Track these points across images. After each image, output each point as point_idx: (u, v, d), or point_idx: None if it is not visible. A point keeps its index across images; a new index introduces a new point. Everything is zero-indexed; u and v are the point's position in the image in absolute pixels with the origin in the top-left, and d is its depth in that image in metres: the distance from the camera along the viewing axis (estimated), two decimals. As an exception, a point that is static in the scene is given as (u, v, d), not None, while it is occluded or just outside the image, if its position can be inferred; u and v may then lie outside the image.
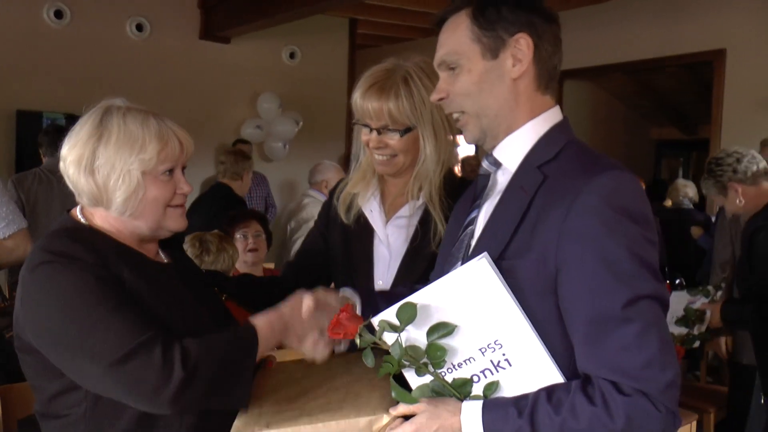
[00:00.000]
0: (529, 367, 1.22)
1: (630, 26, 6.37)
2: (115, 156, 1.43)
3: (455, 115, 1.37)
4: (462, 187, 1.72)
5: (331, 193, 2.05)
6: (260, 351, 1.42)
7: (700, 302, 3.14)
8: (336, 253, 1.99)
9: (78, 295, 1.35)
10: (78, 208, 1.55)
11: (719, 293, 3.21)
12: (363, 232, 1.92)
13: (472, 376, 1.25)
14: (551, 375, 1.22)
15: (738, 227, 3.42)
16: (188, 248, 3.09)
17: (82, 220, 1.51)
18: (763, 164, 3.09)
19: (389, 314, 1.25)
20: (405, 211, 1.88)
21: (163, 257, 1.63)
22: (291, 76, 7.34)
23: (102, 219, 1.51)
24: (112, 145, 1.43)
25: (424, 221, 1.84)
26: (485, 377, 1.24)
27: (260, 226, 3.59)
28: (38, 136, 4.55)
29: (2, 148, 5.77)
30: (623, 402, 1.14)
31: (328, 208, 2.05)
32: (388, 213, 1.92)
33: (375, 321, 1.27)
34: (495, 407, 1.21)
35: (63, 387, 1.44)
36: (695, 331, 3.11)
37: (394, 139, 1.80)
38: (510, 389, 1.24)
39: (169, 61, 6.61)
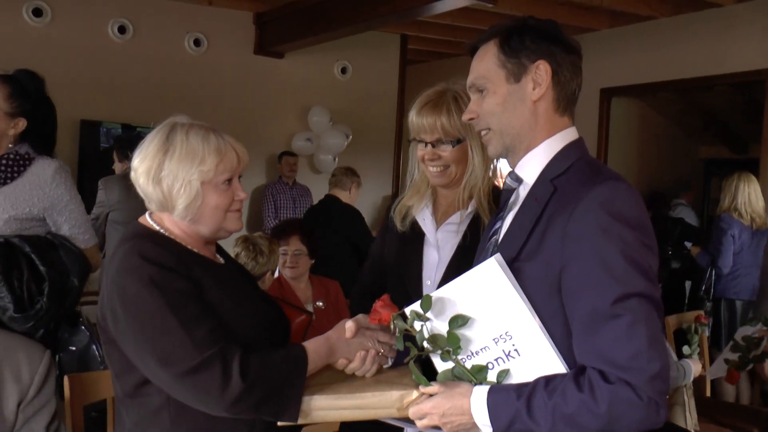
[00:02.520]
0: (536, 357, 1.38)
1: (679, 44, 6.36)
2: (178, 168, 1.60)
3: (483, 132, 1.54)
4: (496, 192, 2.01)
5: (389, 208, 2.25)
6: (309, 371, 1.56)
7: (758, 328, 3.15)
8: (390, 257, 2.18)
9: (160, 303, 1.50)
10: (148, 215, 1.72)
11: None
12: (415, 236, 2.11)
13: (487, 364, 1.42)
14: (555, 365, 1.37)
15: None
16: (241, 251, 3.20)
17: (155, 226, 1.68)
18: None
19: (418, 306, 1.44)
20: (455, 218, 2.07)
21: (220, 258, 1.80)
22: (342, 91, 7.49)
23: (171, 223, 1.68)
24: (175, 159, 1.60)
25: (473, 226, 2.03)
26: (498, 365, 1.41)
27: (302, 243, 3.47)
28: (114, 143, 5.09)
29: (67, 155, 6.02)
30: (608, 389, 1.27)
31: (386, 222, 2.25)
32: (440, 221, 2.10)
33: (407, 311, 1.46)
34: (499, 391, 1.38)
35: (145, 377, 1.58)
36: (750, 356, 3.11)
37: (446, 151, 2.01)
38: (519, 377, 1.39)
39: (224, 75, 6.81)
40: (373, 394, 1.52)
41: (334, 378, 1.62)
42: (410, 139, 2.09)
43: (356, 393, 1.53)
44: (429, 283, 2.06)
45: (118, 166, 5.25)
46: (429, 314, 1.43)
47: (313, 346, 1.60)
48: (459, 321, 1.40)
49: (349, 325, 1.63)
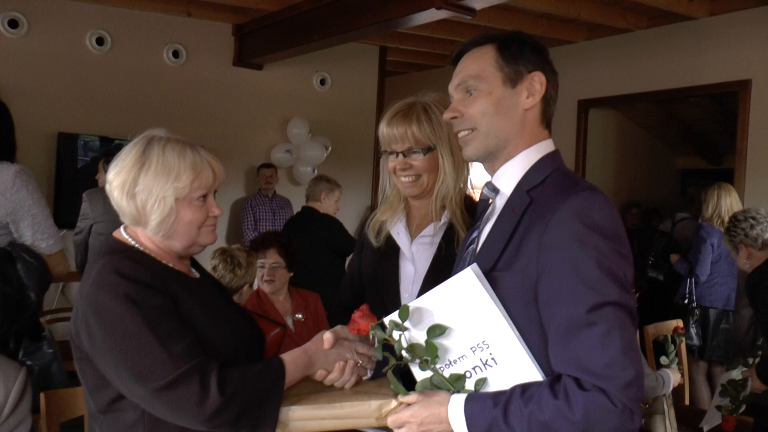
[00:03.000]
0: (513, 366, 1.39)
1: (655, 56, 6.43)
2: (153, 183, 1.59)
3: (462, 132, 1.54)
4: (470, 202, 2.05)
5: (363, 223, 2.22)
6: (287, 383, 1.56)
7: (739, 370, 3.19)
8: (367, 272, 2.18)
9: (137, 319, 1.49)
10: (122, 229, 1.70)
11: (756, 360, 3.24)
12: (390, 251, 2.12)
13: (465, 372, 1.43)
14: (531, 373, 1.38)
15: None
16: (218, 263, 3.18)
17: (130, 241, 1.66)
18: None
19: (396, 315, 1.46)
20: (429, 230, 2.07)
21: (195, 273, 1.78)
22: (321, 102, 7.50)
23: (145, 237, 1.67)
24: (151, 174, 1.59)
25: (447, 237, 2.03)
26: (476, 373, 1.42)
27: (279, 256, 3.41)
28: (102, 154, 5.09)
29: (45, 168, 5.97)
30: (582, 396, 1.28)
31: (361, 239, 2.26)
32: (414, 233, 2.11)
33: (386, 321, 1.47)
34: (476, 399, 1.39)
35: (119, 393, 1.57)
36: (740, 398, 3.14)
37: (417, 160, 2.02)
38: (496, 385, 1.41)
39: (203, 87, 6.80)
40: (351, 404, 1.53)
41: (313, 389, 1.62)
42: (381, 151, 2.11)
43: (335, 403, 1.54)
44: (407, 296, 2.07)
45: (103, 178, 5.18)
46: (407, 324, 1.44)
47: (290, 357, 1.59)
48: (437, 330, 1.42)
49: (327, 336, 1.63)
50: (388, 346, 1.47)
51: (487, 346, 1.40)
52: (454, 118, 1.54)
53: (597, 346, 1.29)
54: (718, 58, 6.05)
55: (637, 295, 3.38)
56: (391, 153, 2.06)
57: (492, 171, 1.56)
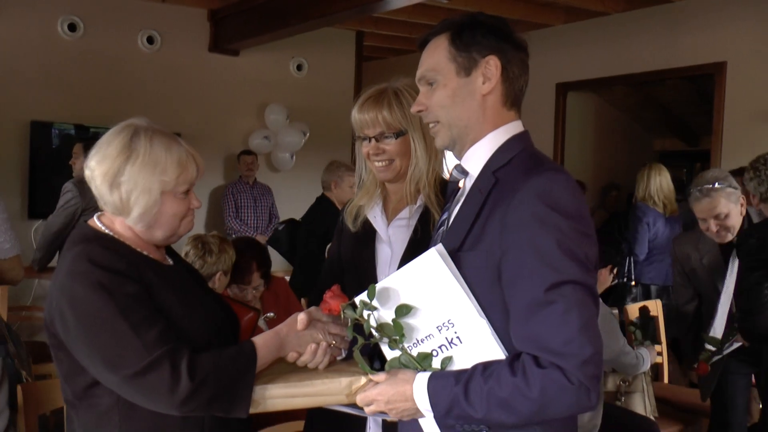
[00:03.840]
0: (477, 345, 1.42)
1: (632, 39, 6.46)
2: (138, 175, 1.59)
3: (431, 125, 1.57)
4: (443, 185, 2.02)
5: (341, 210, 2.28)
6: (259, 365, 1.57)
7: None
8: (345, 257, 2.21)
9: (109, 306, 1.50)
10: (96, 217, 1.71)
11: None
12: (367, 235, 2.15)
13: (432, 351, 1.46)
14: (495, 352, 1.40)
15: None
16: (190, 249, 3.09)
17: (103, 228, 1.66)
18: None
19: (365, 295, 1.49)
20: (404, 213, 2.10)
21: (169, 260, 1.79)
22: (298, 88, 7.45)
23: (122, 226, 1.67)
24: (137, 165, 1.59)
25: (423, 219, 2.06)
26: (442, 352, 1.45)
27: (261, 278, 3.22)
28: (86, 142, 4.76)
29: (17, 157, 5.89)
30: (539, 374, 1.30)
31: (340, 225, 2.28)
32: (390, 216, 2.14)
33: (357, 300, 1.50)
34: (440, 377, 1.41)
35: (94, 379, 1.57)
36: (723, 350, 3.19)
37: (390, 144, 2.04)
38: (462, 363, 1.43)
39: (178, 73, 6.73)
40: (322, 382, 1.56)
41: (286, 368, 1.63)
42: (355, 137, 2.13)
43: (305, 381, 1.56)
44: (383, 278, 2.07)
45: (79, 164, 4.82)
46: (376, 303, 1.47)
47: (262, 340, 1.60)
48: (404, 310, 1.44)
49: (301, 317, 1.63)
50: (358, 326, 1.50)
51: (452, 325, 1.43)
52: (420, 111, 1.57)
53: (556, 324, 1.31)
54: (695, 41, 6.09)
55: (616, 272, 3.41)
56: (364, 138, 2.08)
57: (460, 156, 1.57)
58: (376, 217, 2.15)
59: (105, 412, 1.59)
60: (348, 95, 7.65)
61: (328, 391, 1.55)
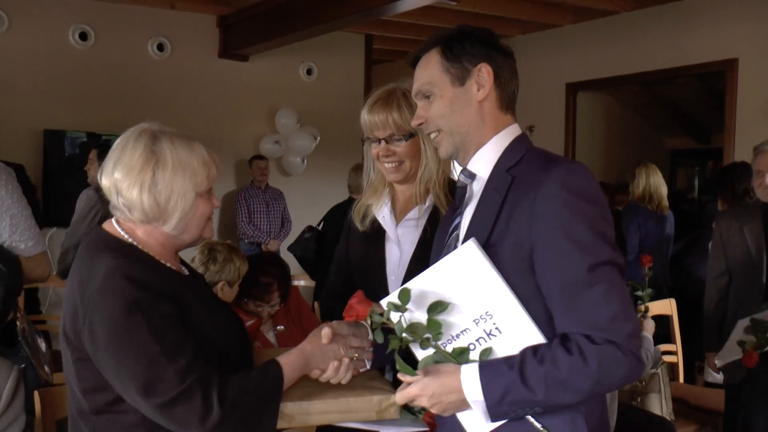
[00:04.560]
0: (517, 333, 1.45)
1: (641, 38, 6.44)
2: (173, 180, 1.59)
3: (432, 135, 1.63)
4: (451, 185, 2.06)
5: (350, 210, 2.28)
6: (285, 385, 1.58)
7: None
8: (354, 258, 2.22)
9: (143, 329, 1.48)
10: (114, 222, 1.67)
11: None
12: (376, 234, 2.16)
13: (468, 345, 1.48)
14: (535, 338, 1.44)
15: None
16: (197, 255, 3.05)
17: (126, 237, 1.63)
18: None
19: (394, 297, 1.48)
20: (414, 213, 2.11)
21: (184, 269, 1.77)
22: (308, 92, 7.47)
23: (146, 233, 1.64)
24: (169, 170, 1.58)
25: (433, 219, 2.07)
26: (480, 345, 1.47)
27: (279, 297, 3.12)
28: (101, 149, 4.71)
29: (31, 165, 5.92)
30: (595, 350, 1.38)
31: (348, 224, 2.28)
32: (399, 216, 2.15)
33: (384, 303, 1.50)
34: (489, 366, 1.44)
35: (119, 395, 1.55)
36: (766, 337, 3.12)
37: (400, 146, 2.06)
38: (502, 353, 1.46)
39: (189, 80, 6.76)
40: (356, 399, 1.59)
41: (311, 384, 1.64)
42: (364, 138, 2.14)
43: (341, 399, 1.60)
44: (393, 278, 2.10)
45: (94, 170, 4.75)
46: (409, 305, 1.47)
47: (287, 360, 1.60)
48: (438, 307, 1.45)
49: (326, 331, 1.63)
50: (386, 329, 1.49)
51: (490, 316, 1.45)
52: (421, 124, 1.63)
53: (600, 304, 1.38)
54: (705, 38, 6.06)
55: None
56: (374, 140, 2.09)
57: (464, 162, 1.62)
58: (384, 216, 2.16)
59: (130, 427, 1.57)
60: (358, 98, 7.65)
61: (360, 408, 1.59)
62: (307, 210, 7.20)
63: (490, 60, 1.57)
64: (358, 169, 5.15)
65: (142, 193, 1.58)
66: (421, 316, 1.46)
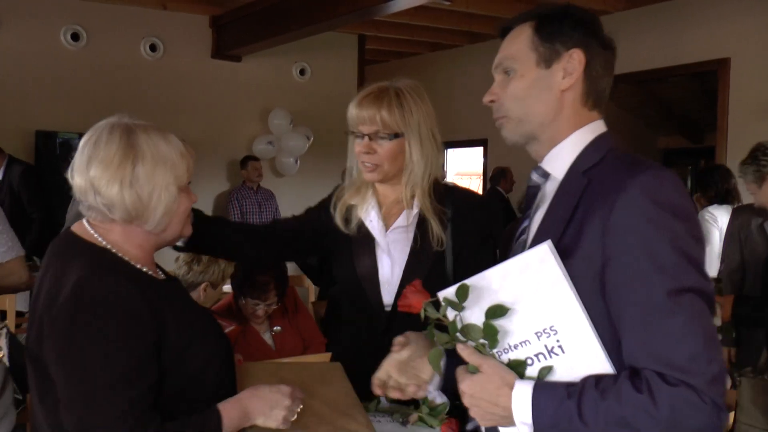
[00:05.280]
0: (581, 356, 1.25)
1: (634, 37, 6.44)
2: (154, 174, 1.48)
3: (497, 116, 1.44)
4: (448, 194, 2.02)
5: (330, 200, 2.17)
6: None
7: None
8: (343, 263, 2.11)
9: (96, 355, 1.38)
10: (86, 223, 1.55)
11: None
12: (365, 242, 2.07)
13: (526, 359, 1.29)
14: (602, 366, 1.25)
15: (748, 230, 3.48)
16: (181, 254, 2.98)
17: (101, 240, 1.52)
18: None
19: (451, 293, 1.32)
20: (402, 220, 2.04)
21: (160, 273, 1.66)
22: (301, 93, 7.46)
23: (124, 235, 1.53)
24: (149, 164, 1.48)
25: (422, 227, 2.00)
26: (538, 361, 1.28)
27: (276, 296, 3.10)
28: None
29: (23, 167, 5.89)
30: (668, 391, 1.16)
31: (327, 212, 2.15)
32: (387, 221, 2.07)
33: (440, 296, 1.35)
34: (547, 388, 1.25)
35: None
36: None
37: (382, 146, 1.98)
38: (562, 376, 1.27)
39: (182, 80, 6.74)
40: None
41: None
42: (348, 131, 2.05)
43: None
44: (387, 286, 2.03)
45: None
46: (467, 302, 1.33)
47: (226, 411, 1.51)
48: (497, 311, 1.28)
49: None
50: (439, 326, 1.37)
51: (554, 332, 1.26)
52: (492, 101, 1.44)
53: (678, 338, 1.18)
54: (697, 38, 6.07)
55: None
56: (358, 135, 2.01)
57: (539, 155, 1.45)
58: (372, 221, 2.06)
59: None
60: (351, 98, 7.62)
61: None
62: (299, 211, 7.14)
63: (586, 47, 1.37)
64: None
65: (123, 189, 1.47)
66: (477, 318, 1.31)
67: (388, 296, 2.01)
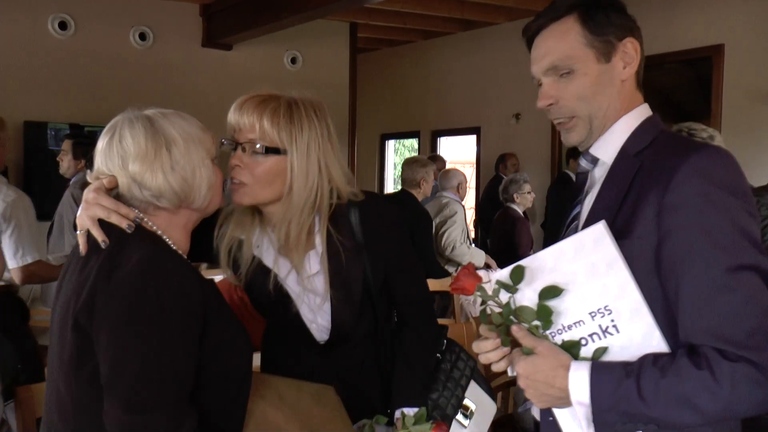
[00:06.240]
0: (636, 336, 1.25)
1: (628, 24, 6.43)
2: (188, 153, 1.52)
3: (559, 120, 1.42)
4: (352, 215, 1.72)
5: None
6: None
7: None
8: (261, 304, 1.84)
9: (149, 343, 1.36)
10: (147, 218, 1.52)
11: None
12: (278, 297, 1.76)
13: (580, 339, 1.29)
14: (658, 345, 1.24)
15: None
16: None
17: (150, 224, 1.50)
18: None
19: (506, 275, 1.31)
20: (315, 265, 1.73)
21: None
22: (292, 81, 7.40)
23: (166, 219, 1.52)
24: (181, 146, 1.51)
25: (332, 258, 1.71)
26: (593, 341, 1.28)
27: None
28: (75, 140, 4.61)
29: (11, 159, 5.83)
30: (729, 367, 1.16)
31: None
32: (291, 258, 1.73)
33: (493, 278, 1.33)
34: (605, 368, 1.24)
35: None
36: None
37: (256, 161, 1.66)
38: (616, 356, 1.26)
39: (172, 69, 6.69)
40: None
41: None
42: (221, 141, 1.70)
43: None
44: (315, 326, 1.78)
45: (72, 166, 4.62)
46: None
47: None
48: (551, 292, 1.28)
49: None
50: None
51: (609, 312, 1.26)
52: (550, 105, 1.42)
53: (737, 314, 1.17)
54: (692, 24, 6.07)
55: None
56: (231, 145, 1.70)
57: (587, 143, 1.44)
58: (276, 265, 1.73)
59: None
60: (343, 87, 7.61)
61: None
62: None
63: (632, 33, 1.38)
64: (413, 162, 5.06)
65: (167, 176, 1.48)
66: (530, 298, 1.30)
67: (319, 333, 1.78)
